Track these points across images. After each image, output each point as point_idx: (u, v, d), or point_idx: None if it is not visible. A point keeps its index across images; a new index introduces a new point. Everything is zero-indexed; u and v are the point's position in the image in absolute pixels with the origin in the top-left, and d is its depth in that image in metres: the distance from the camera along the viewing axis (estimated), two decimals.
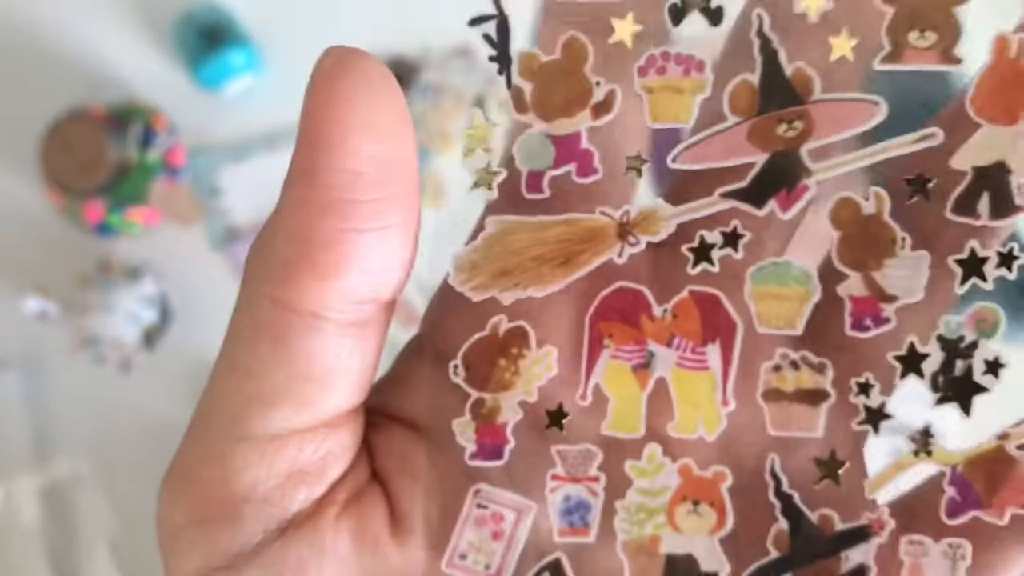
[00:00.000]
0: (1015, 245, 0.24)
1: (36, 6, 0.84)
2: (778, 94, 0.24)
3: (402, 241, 0.24)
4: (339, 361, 0.24)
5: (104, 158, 0.77)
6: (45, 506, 0.77)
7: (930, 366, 0.25)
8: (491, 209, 0.25)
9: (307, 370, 0.24)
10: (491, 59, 0.24)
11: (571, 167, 0.25)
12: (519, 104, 0.24)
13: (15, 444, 0.78)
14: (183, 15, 0.83)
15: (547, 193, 0.25)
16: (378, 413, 0.27)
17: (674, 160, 0.25)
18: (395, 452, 0.27)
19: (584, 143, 0.25)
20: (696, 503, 0.26)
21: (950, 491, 0.25)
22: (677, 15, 0.24)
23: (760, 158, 0.24)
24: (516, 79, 0.24)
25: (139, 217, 0.80)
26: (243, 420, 0.25)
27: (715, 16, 0.24)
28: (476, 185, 0.25)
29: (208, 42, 0.81)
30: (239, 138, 0.84)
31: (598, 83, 0.24)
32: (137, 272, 0.80)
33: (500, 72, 0.24)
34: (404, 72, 0.84)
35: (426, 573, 0.26)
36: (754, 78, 0.24)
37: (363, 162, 0.23)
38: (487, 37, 0.24)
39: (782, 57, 0.24)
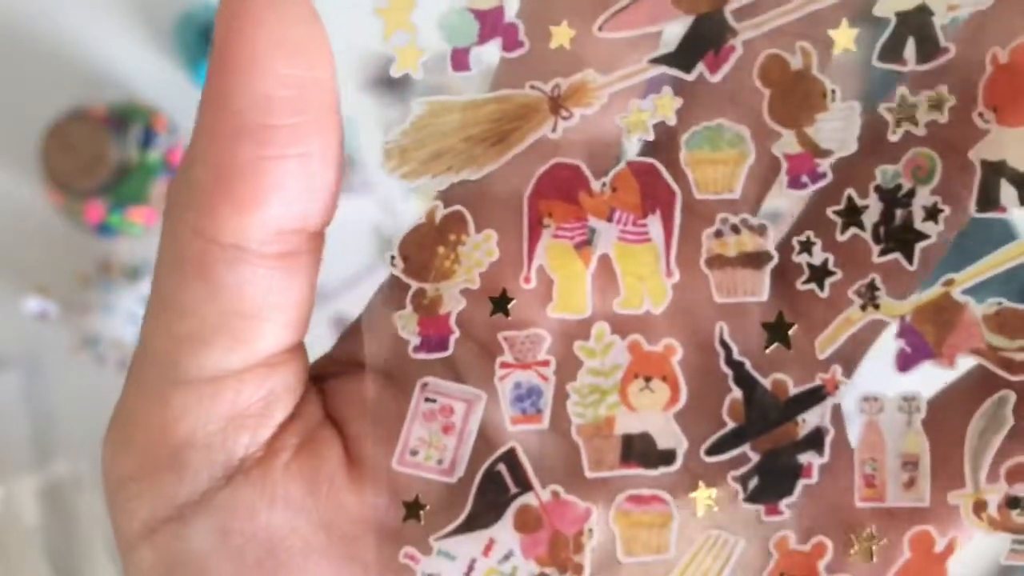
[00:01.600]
0: (943, 88, 0.23)
1: (36, 6, 0.82)
2: None
3: (324, 167, 0.23)
4: (269, 296, 0.23)
5: (104, 158, 0.75)
6: (45, 506, 0.75)
7: (870, 218, 0.24)
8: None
9: (237, 306, 0.23)
10: None
11: (496, 41, 0.24)
12: None
13: (15, 444, 0.76)
14: (183, 15, 0.81)
15: (473, 71, 0.24)
16: (333, 361, 0.26)
17: (600, 29, 0.24)
18: (349, 393, 0.25)
19: (508, 16, 0.24)
20: (648, 379, 0.25)
21: (899, 343, 0.24)
22: None
23: (685, 20, 0.24)
24: None
25: (139, 217, 0.78)
26: (177, 362, 0.23)
27: None
28: (400, 68, 0.23)
29: (208, 42, 0.78)
30: None
31: None
32: (137, 272, 0.78)
33: None
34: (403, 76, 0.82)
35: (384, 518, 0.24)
36: None
37: (277, 84, 0.22)
38: None
39: None
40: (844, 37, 0.23)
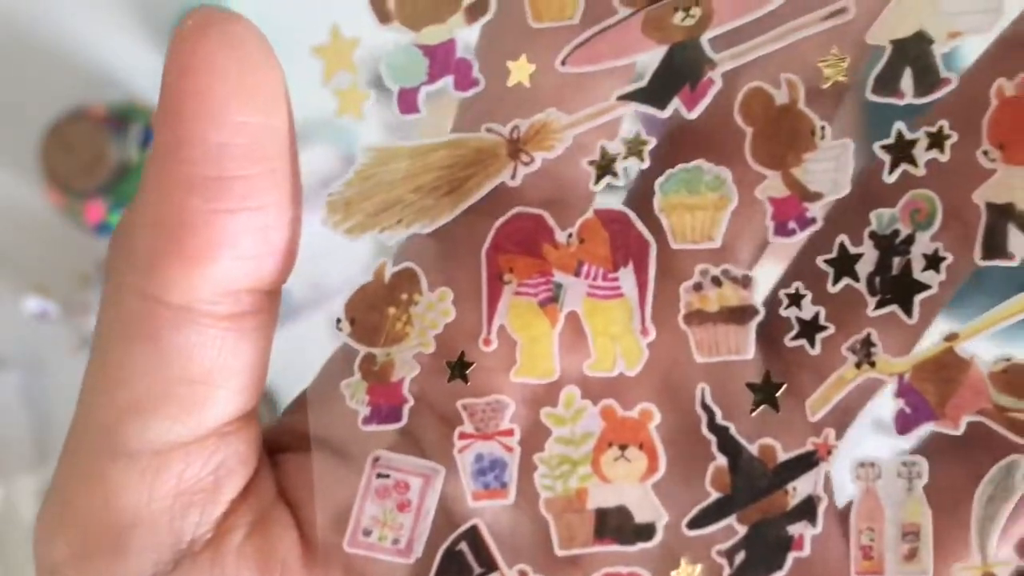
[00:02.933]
0: (944, 123, 0.21)
1: (36, 6, 0.79)
2: None
3: (280, 221, 0.20)
4: (220, 360, 0.20)
5: (104, 158, 0.74)
6: None
7: (865, 267, 0.21)
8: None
9: (185, 371, 0.20)
10: None
11: (448, 80, 0.21)
12: (380, 13, 0.20)
13: (15, 444, 0.75)
14: (183, 15, 0.78)
15: (423, 112, 0.21)
16: (285, 431, 0.23)
17: (563, 63, 0.21)
18: (301, 468, 0.22)
19: (459, 51, 0.21)
20: (623, 447, 0.22)
21: (898, 403, 0.22)
22: None
23: (658, 52, 0.21)
24: None
25: None
26: (119, 433, 0.20)
27: None
28: (342, 111, 0.20)
29: None
30: None
31: None
32: None
33: None
34: None
35: None
36: None
37: (231, 133, 0.19)
38: None
39: None
40: (834, 68, 0.21)
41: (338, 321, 0.21)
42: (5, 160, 0.79)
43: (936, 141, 0.21)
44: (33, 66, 0.80)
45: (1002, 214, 0.21)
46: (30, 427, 0.77)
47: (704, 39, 0.21)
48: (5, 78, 0.80)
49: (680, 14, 0.21)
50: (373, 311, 0.21)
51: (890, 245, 0.21)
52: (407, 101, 0.21)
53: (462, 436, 0.22)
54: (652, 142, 0.21)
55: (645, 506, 0.22)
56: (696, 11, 0.21)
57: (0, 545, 0.74)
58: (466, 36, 0.21)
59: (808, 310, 0.21)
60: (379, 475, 0.22)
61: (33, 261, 0.78)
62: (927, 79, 0.20)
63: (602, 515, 0.22)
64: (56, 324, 0.77)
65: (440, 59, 0.21)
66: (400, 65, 0.21)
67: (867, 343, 0.22)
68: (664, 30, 0.21)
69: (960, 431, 0.21)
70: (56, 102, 0.77)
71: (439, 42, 0.21)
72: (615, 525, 0.22)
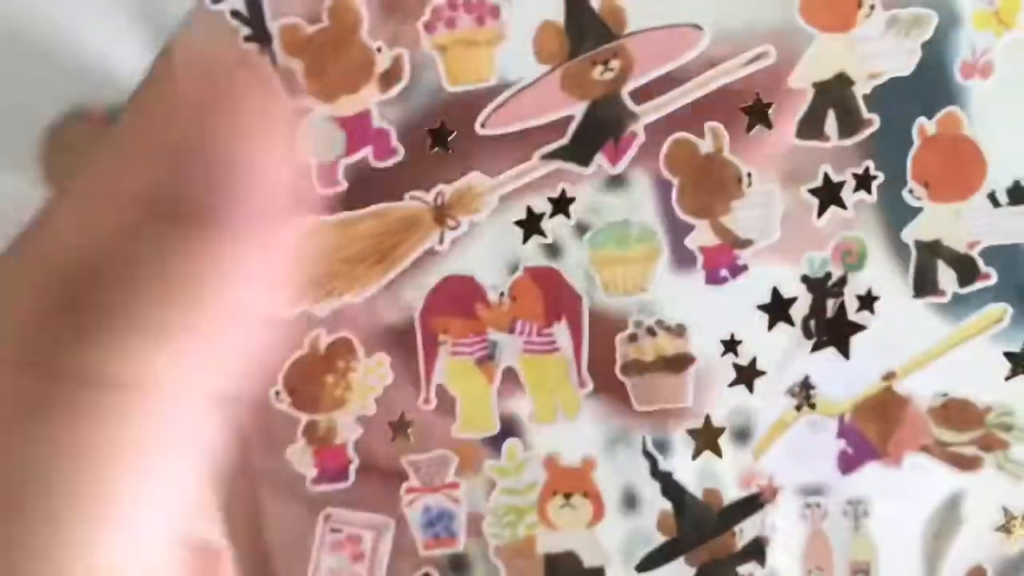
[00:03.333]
0: (869, 164, 0.20)
1: (36, 6, 0.78)
2: (588, 31, 0.20)
3: None
4: None
5: None
6: None
7: (799, 310, 0.21)
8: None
9: None
10: (247, 39, 0.20)
11: (367, 151, 0.21)
12: (291, 87, 0.20)
13: None
14: (183, 15, 0.77)
15: (343, 185, 0.21)
16: None
17: (483, 126, 0.20)
18: None
19: (376, 120, 0.20)
20: (568, 495, 0.22)
21: (840, 443, 0.22)
22: None
23: (578, 108, 0.21)
24: (281, 57, 0.20)
25: None
26: None
27: None
28: None
29: None
30: None
31: (379, 48, 0.20)
32: None
33: (261, 52, 0.20)
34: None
35: None
36: (557, 17, 0.20)
37: None
38: (235, 14, 0.20)
39: None
40: (758, 114, 0.20)
41: (276, 393, 0.21)
42: (5, 160, 0.80)
43: (862, 183, 0.20)
44: (33, 66, 0.80)
45: (931, 251, 0.20)
46: None
47: (625, 92, 0.20)
48: (5, 78, 0.79)
49: (599, 68, 0.20)
50: (311, 381, 0.21)
51: (823, 288, 0.21)
52: (327, 175, 0.21)
53: (409, 491, 0.22)
54: (576, 198, 0.21)
55: (593, 551, 0.22)
56: (615, 63, 0.20)
57: None
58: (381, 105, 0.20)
59: (745, 356, 0.21)
60: (332, 530, 0.22)
61: None
62: (851, 121, 0.20)
63: (551, 560, 0.22)
64: None
65: (358, 131, 0.20)
66: (318, 139, 0.20)
67: (806, 385, 0.21)
68: (584, 86, 0.20)
69: (901, 467, 0.21)
70: (56, 102, 0.73)
71: (354, 113, 0.20)
72: (565, 569, 0.22)
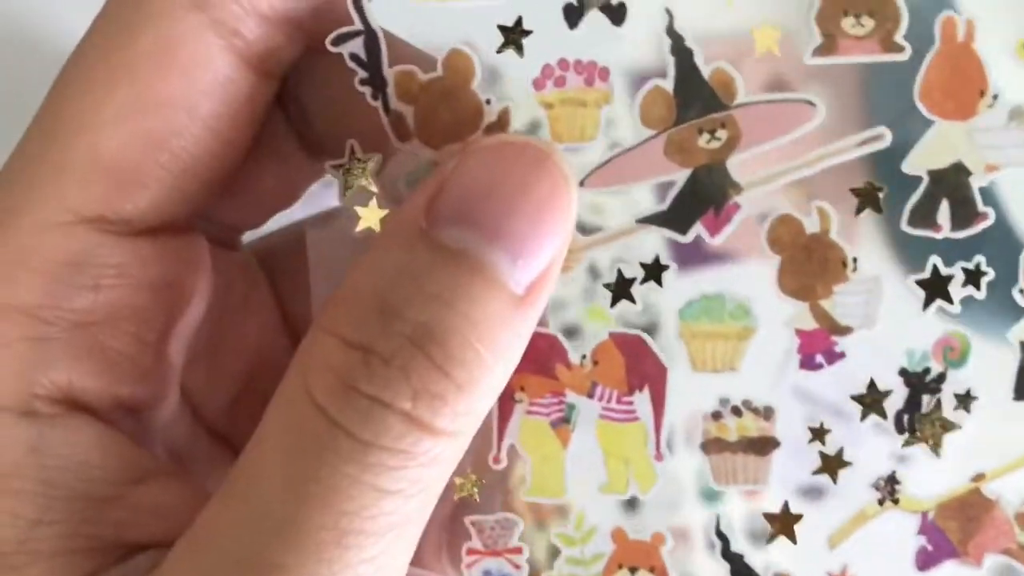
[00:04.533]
0: (981, 259, 0.19)
1: (36, 6, 0.80)
2: (697, 100, 0.20)
3: None
4: None
5: None
6: None
7: (893, 404, 0.20)
8: None
9: None
10: (362, 82, 0.20)
11: None
12: (400, 131, 0.20)
13: None
14: None
15: None
16: None
17: (582, 184, 0.20)
18: None
19: None
20: (634, 570, 0.21)
21: (920, 540, 0.20)
22: (574, 16, 0.20)
23: (681, 175, 0.20)
24: (394, 103, 0.20)
25: None
26: None
27: (617, 14, 0.19)
28: (362, 226, 0.20)
29: None
30: None
31: (488, 101, 0.20)
32: None
33: (374, 97, 0.20)
34: None
35: None
36: (667, 83, 0.20)
37: None
38: (354, 57, 0.19)
39: (698, 57, 0.20)
40: (868, 198, 0.19)
41: None
42: (5, 160, 0.79)
43: (972, 278, 0.19)
44: (33, 66, 0.79)
45: None
46: None
47: (730, 163, 0.20)
48: (5, 78, 0.79)
49: (705, 136, 0.20)
50: None
51: (920, 383, 0.20)
52: None
53: (470, 552, 0.21)
54: (672, 266, 0.20)
55: None
56: (722, 134, 0.20)
57: None
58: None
59: (832, 445, 0.20)
60: None
61: None
62: (965, 212, 0.19)
63: None
64: None
65: None
66: (420, 183, 0.20)
67: (892, 480, 0.20)
68: (687, 152, 0.20)
69: (981, 568, 0.20)
70: None
71: None
72: None
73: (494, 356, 0.18)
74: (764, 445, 0.20)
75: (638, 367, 0.20)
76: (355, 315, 0.18)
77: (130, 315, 0.19)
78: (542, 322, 0.20)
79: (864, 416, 0.20)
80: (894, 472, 0.20)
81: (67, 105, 0.19)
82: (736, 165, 0.20)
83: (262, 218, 0.23)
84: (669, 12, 0.19)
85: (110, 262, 0.19)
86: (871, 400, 0.20)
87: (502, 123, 0.20)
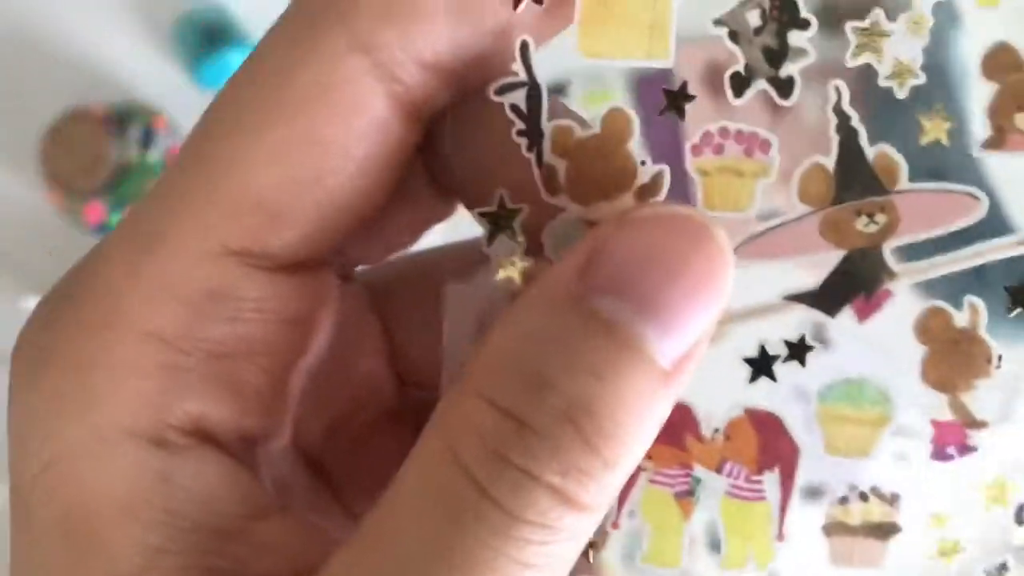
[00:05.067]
0: None
1: (36, 6, 0.78)
2: (858, 181, 0.19)
3: None
4: None
5: (104, 158, 0.72)
6: None
7: (1017, 497, 0.20)
8: None
9: None
10: (519, 133, 0.19)
11: None
12: (551, 185, 0.19)
13: None
14: (183, 15, 0.77)
15: None
16: None
17: (735, 252, 0.19)
18: None
19: None
20: None
21: None
22: (740, 86, 0.19)
23: (834, 255, 0.19)
24: (548, 156, 0.19)
25: None
26: None
27: (785, 87, 0.19)
28: (501, 276, 0.19)
29: (208, 42, 0.76)
30: None
31: (643, 163, 0.19)
32: None
33: (530, 149, 0.19)
34: None
35: None
36: (829, 162, 0.19)
37: None
38: (514, 108, 0.19)
39: (863, 138, 0.19)
40: (1021, 295, 0.19)
41: None
42: (5, 160, 0.77)
43: None
44: (33, 66, 0.78)
45: None
46: None
47: (886, 248, 0.19)
48: (5, 78, 0.78)
49: (863, 219, 0.19)
50: None
51: None
52: None
53: None
54: (816, 347, 0.19)
55: None
56: (880, 218, 0.19)
57: (1, 545, 0.71)
58: None
59: (952, 532, 0.20)
60: None
61: (33, 261, 0.75)
62: None
63: None
64: None
65: None
66: (565, 237, 0.19)
67: (1002, 568, 0.20)
68: (843, 233, 0.19)
69: None
70: (56, 102, 0.74)
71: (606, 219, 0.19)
72: None
73: (639, 432, 0.17)
74: (886, 531, 0.20)
75: (771, 446, 0.20)
76: (507, 381, 0.17)
77: (263, 349, 0.19)
78: None
79: (989, 507, 0.20)
80: (1005, 561, 0.20)
81: (221, 139, 0.18)
82: (891, 251, 0.19)
83: (384, 254, 0.23)
84: (838, 90, 0.19)
85: (250, 295, 0.19)
86: (997, 492, 0.20)
87: (655, 186, 0.19)
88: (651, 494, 0.20)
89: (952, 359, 0.19)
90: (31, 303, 0.76)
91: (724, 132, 0.19)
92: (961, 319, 0.19)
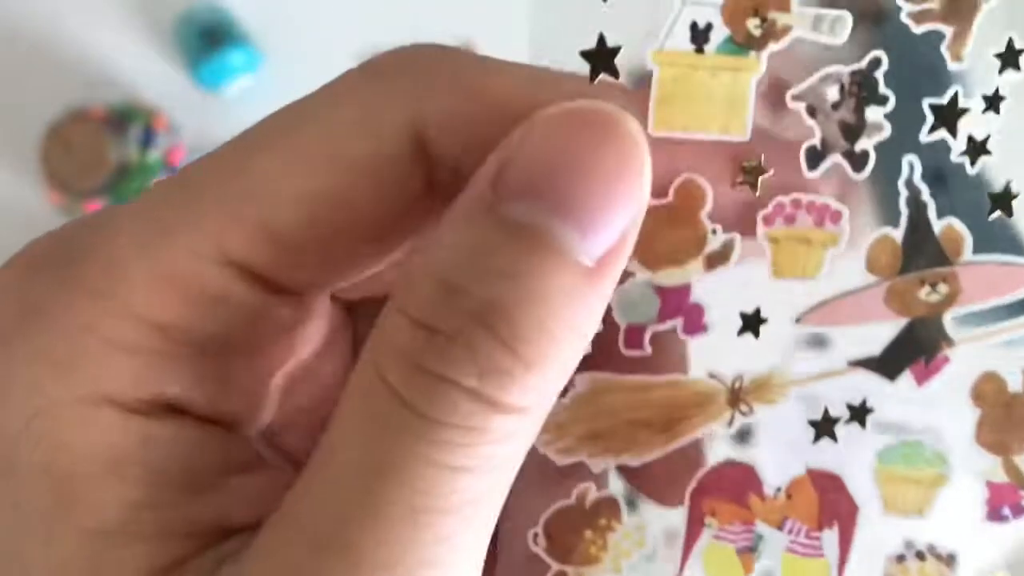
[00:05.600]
0: None
1: (36, 6, 0.78)
2: (924, 253, 0.20)
3: None
4: None
5: (104, 158, 0.72)
6: None
7: None
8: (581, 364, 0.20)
9: None
10: None
11: (677, 323, 0.20)
12: None
13: None
14: (183, 15, 0.77)
15: (648, 350, 0.20)
16: None
17: (798, 320, 0.20)
18: None
19: (693, 297, 0.20)
20: None
21: None
22: (815, 159, 0.19)
23: (897, 323, 0.20)
24: None
25: None
26: None
27: (860, 162, 0.19)
28: None
29: (208, 42, 0.75)
30: None
31: (715, 231, 0.20)
32: None
33: None
34: None
35: None
36: (898, 233, 0.20)
37: None
38: None
39: (931, 211, 0.20)
40: None
41: (534, 535, 0.21)
42: (5, 160, 0.77)
43: None
44: (33, 66, 0.78)
45: None
46: None
47: (947, 317, 0.20)
48: (5, 78, 0.77)
49: (926, 289, 0.20)
50: (570, 533, 0.21)
51: None
52: (633, 338, 0.20)
53: None
54: (875, 410, 0.20)
55: None
56: (943, 288, 0.20)
57: None
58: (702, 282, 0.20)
59: None
60: None
61: None
62: None
63: None
64: None
65: (673, 302, 0.20)
66: (632, 302, 0.20)
67: None
68: (907, 303, 0.20)
69: None
70: (56, 102, 0.74)
71: (675, 285, 0.20)
72: None
73: (564, 331, 0.17)
74: None
75: (831, 505, 0.20)
76: (421, 294, 0.17)
77: (250, 352, 0.20)
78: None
79: None
80: None
81: (246, 143, 0.19)
82: (952, 319, 0.20)
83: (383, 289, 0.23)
84: (911, 164, 0.19)
85: (246, 305, 0.19)
86: None
87: (725, 253, 0.20)
88: (714, 549, 0.21)
89: (1005, 423, 0.20)
90: None
91: (796, 203, 0.20)
92: (1014, 384, 0.20)
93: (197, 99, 0.78)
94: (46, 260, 0.19)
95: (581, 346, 0.17)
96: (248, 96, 0.78)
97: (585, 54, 0.18)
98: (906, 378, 0.20)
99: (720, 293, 0.20)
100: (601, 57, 0.18)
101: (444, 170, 0.20)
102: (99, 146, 0.72)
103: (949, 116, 0.19)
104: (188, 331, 0.19)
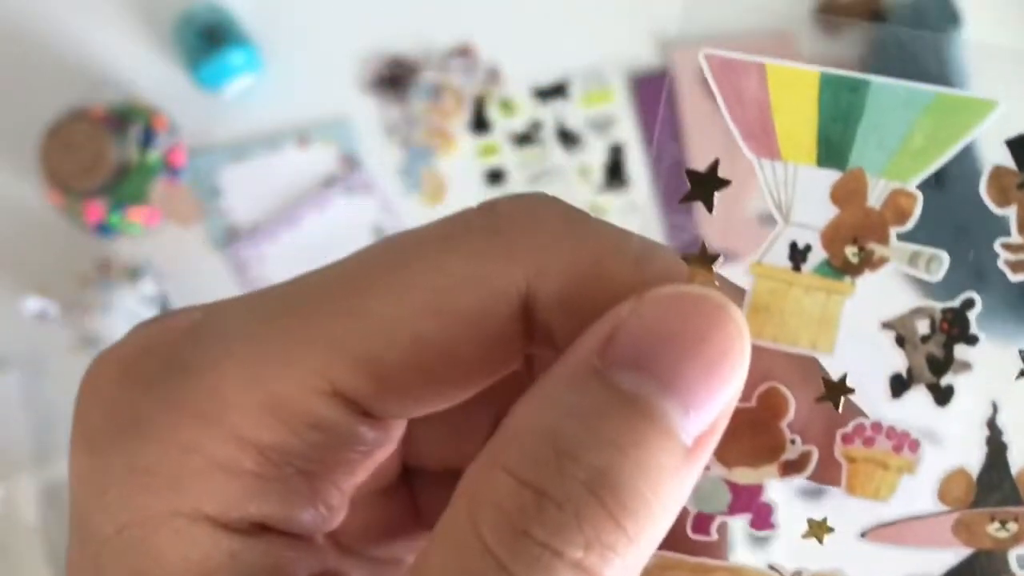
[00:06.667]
0: None
1: (36, 6, 0.78)
2: (999, 491, 0.20)
3: None
4: None
5: (104, 158, 0.72)
6: (45, 506, 0.73)
7: None
8: None
9: None
10: None
11: (746, 517, 0.21)
12: None
13: (15, 444, 0.74)
14: (183, 15, 0.77)
15: (714, 537, 0.21)
16: None
17: (863, 535, 0.20)
18: None
19: (765, 496, 0.21)
20: None
21: None
22: (899, 388, 0.20)
23: (961, 552, 0.20)
24: None
25: (139, 217, 0.75)
26: None
27: (943, 396, 0.20)
28: None
29: (208, 42, 0.76)
30: (239, 138, 0.78)
31: (793, 441, 0.20)
32: (137, 272, 0.76)
33: None
34: (404, 72, 0.78)
35: None
36: (973, 468, 0.20)
37: None
38: None
39: (1011, 453, 0.20)
40: None
41: None
42: (5, 160, 0.77)
43: None
44: (33, 66, 0.78)
45: None
46: (30, 427, 0.75)
47: (1012, 554, 0.20)
48: (5, 78, 0.78)
49: (995, 524, 0.20)
50: None
51: None
52: (702, 525, 0.21)
53: None
54: None
55: None
56: (1012, 526, 0.20)
57: (1, 545, 0.72)
58: (776, 488, 0.20)
59: None
60: None
61: (33, 261, 0.76)
62: None
63: None
64: (56, 324, 0.75)
65: (744, 498, 0.20)
66: (705, 494, 0.21)
67: None
68: (974, 535, 0.20)
69: None
70: (56, 102, 0.75)
71: (748, 483, 0.20)
72: None
73: (662, 508, 0.17)
74: None
75: None
76: (528, 452, 0.17)
77: (336, 470, 0.21)
78: None
79: None
80: None
81: (359, 289, 0.20)
82: (1018, 558, 0.20)
83: None
84: (995, 405, 0.19)
85: (344, 433, 0.20)
86: None
87: (801, 464, 0.20)
88: None
89: None
90: (31, 303, 0.75)
91: (876, 426, 0.20)
92: None
93: (197, 99, 0.78)
94: (146, 372, 0.20)
95: (670, 523, 0.18)
96: (248, 96, 0.78)
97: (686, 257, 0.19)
98: None
99: (792, 498, 0.21)
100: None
101: (541, 328, 0.20)
102: (99, 146, 0.72)
103: None
104: (286, 453, 0.20)
